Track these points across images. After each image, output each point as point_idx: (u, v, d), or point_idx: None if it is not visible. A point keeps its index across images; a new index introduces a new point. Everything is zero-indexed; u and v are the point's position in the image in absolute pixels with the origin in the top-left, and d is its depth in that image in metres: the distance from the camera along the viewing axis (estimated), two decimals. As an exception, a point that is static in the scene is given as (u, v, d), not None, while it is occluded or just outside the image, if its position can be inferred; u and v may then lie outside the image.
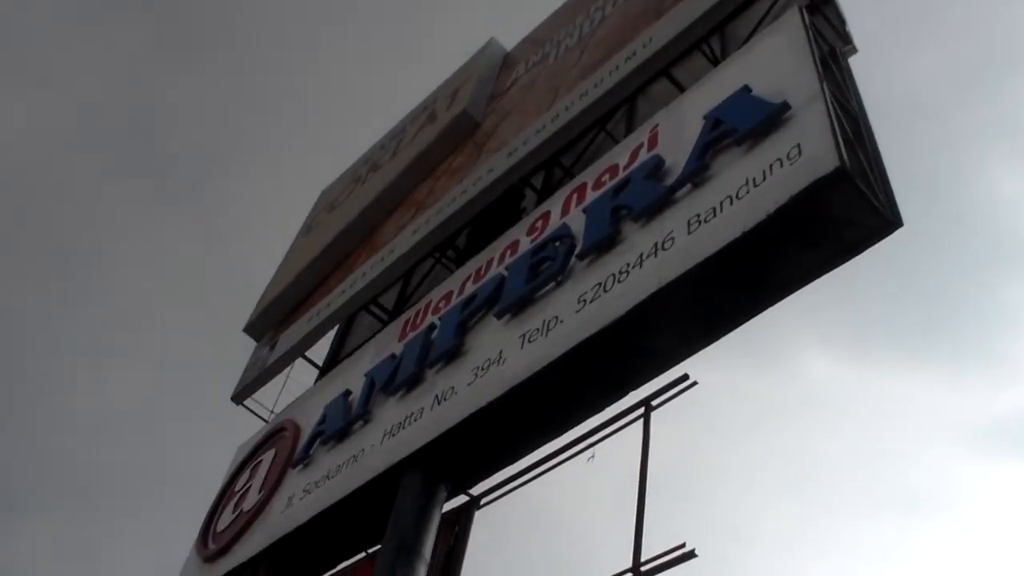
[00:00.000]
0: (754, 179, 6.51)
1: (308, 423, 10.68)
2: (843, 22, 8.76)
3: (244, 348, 14.60)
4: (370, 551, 9.14)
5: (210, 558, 10.83)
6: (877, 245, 6.41)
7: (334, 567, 9.70)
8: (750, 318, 6.96)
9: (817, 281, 6.71)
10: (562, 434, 7.97)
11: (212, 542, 11.08)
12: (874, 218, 6.23)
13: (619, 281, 7.07)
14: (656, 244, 6.96)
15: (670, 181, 7.37)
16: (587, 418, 7.82)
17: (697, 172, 7.12)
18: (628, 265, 7.11)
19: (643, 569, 6.50)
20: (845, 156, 5.99)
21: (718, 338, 7.12)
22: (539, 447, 8.11)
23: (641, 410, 7.51)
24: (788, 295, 6.80)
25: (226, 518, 11.18)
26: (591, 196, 8.46)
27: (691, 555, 6.25)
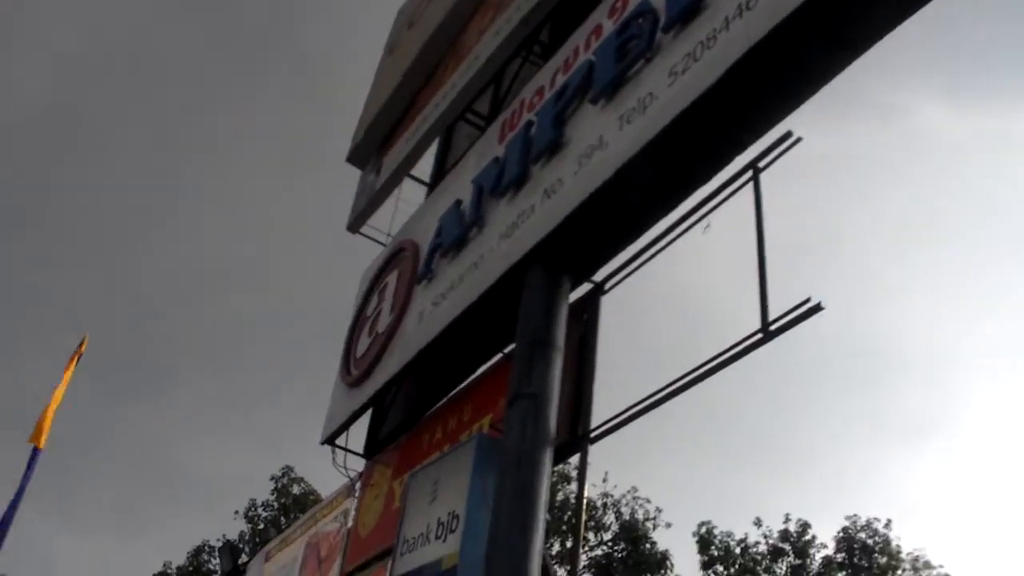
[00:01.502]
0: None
1: (425, 239, 10.88)
2: None
3: (351, 178, 14.80)
4: (506, 351, 9.40)
5: (354, 383, 11.27)
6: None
7: (474, 371, 10.02)
8: (847, 65, 6.80)
9: (919, 25, 6.51)
10: (674, 208, 8.00)
11: (354, 368, 11.51)
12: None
13: (708, 48, 6.95)
14: (740, 5, 6.78)
15: (747, -63, 7.13)
16: (696, 189, 7.81)
17: (775, -78, 6.87)
18: (715, 31, 6.96)
19: (771, 328, 6.59)
20: None
21: (815, 91, 6.98)
22: (653, 225, 8.16)
23: (749, 173, 7.48)
24: (887, 33, 6.60)
25: (363, 343, 11.58)
26: (669, -34, 8.25)
27: (817, 308, 6.30)
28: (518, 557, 6.55)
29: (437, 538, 7.80)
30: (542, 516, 6.78)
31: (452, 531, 7.62)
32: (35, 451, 20.06)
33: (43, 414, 20.40)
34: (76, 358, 20.84)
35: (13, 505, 19.50)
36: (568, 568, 8.19)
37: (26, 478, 19.84)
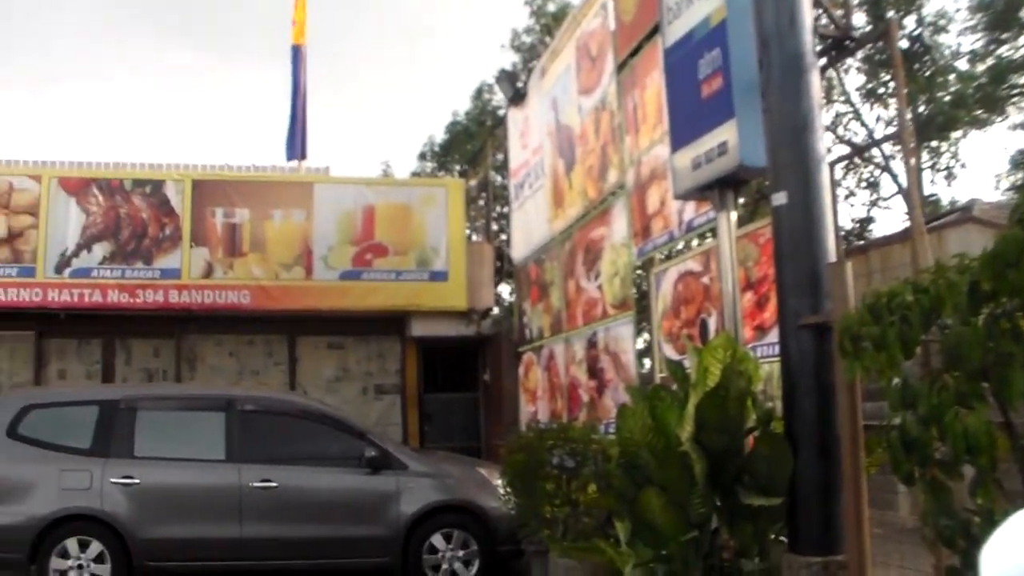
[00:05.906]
0: None
1: None
2: None
3: None
4: None
5: None
6: None
7: None
8: None
9: None
10: None
11: None
12: None
13: None
14: None
15: None
16: None
17: None
18: None
19: None
20: None
21: None
22: None
23: None
24: None
25: None
26: None
27: None
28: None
29: (699, -4, 7.72)
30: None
31: (713, -14, 7.50)
32: (298, 49, 20.86)
33: (295, 11, 21.04)
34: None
35: (297, 108, 20.58)
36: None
37: (300, 77, 20.79)
